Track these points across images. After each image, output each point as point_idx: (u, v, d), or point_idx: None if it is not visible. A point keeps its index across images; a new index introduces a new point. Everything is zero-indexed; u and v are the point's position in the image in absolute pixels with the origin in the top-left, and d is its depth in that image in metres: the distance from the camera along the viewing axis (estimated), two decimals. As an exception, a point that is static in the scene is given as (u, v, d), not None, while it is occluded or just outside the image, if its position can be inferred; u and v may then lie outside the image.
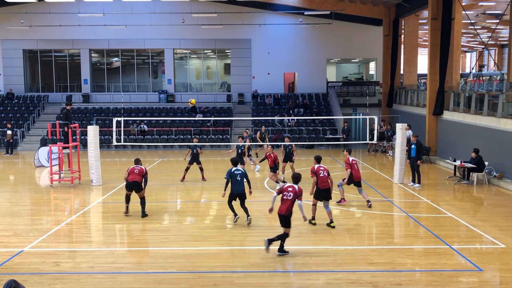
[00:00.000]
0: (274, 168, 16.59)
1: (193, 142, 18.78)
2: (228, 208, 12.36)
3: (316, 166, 12.21)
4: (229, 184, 12.08)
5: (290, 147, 18.20)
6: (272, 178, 16.82)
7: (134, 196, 15.60)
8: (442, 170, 20.94)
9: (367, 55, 36.32)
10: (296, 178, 10.44)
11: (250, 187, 12.38)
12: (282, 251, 9.96)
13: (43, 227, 12.30)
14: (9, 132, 27.20)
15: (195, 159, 18.09)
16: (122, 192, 16.42)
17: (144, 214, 13.11)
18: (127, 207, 13.31)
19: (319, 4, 30.42)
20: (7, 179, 20.10)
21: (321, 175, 12.02)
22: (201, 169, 18.31)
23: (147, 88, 36.17)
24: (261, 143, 23.79)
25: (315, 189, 12.17)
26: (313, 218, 12.27)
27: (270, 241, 9.86)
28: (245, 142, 20.33)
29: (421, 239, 11.26)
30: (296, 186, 10.25)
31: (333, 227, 11.90)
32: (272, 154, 16.58)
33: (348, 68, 44.34)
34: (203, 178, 18.30)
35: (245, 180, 12.09)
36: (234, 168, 12.14)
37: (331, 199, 12.27)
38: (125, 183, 13.23)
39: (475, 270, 9.17)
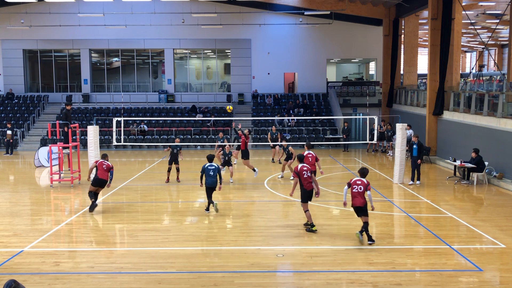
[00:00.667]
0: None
1: (174, 142, 18.58)
2: (226, 208, 12.44)
3: (300, 166, 11.60)
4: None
5: (287, 149, 18.74)
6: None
7: (135, 197, 15.61)
8: (442, 170, 20.95)
9: (367, 55, 36.32)
10: (364, 172, 11.07)
11: (220, 183, 13.35)
12: (371, 239, 10.61)
13: (43, 227, 12.30)
14: (9, 132, 27.20)
15: (174, 159, 18.07)
16: (122, 192, 16.44)
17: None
18: (94, 204, 13.49)
19: (319, 4, 30.42)
20: (7, 179, 20.10)
21: (304, 175, 11.46)
22: (178, 170, 18.22)
23: (147, 88, 36.18)
24: (274, 143, 22.81)
25: (301, 191, 11.52)
26: (313, 225, 11.55)
27: (361, 233, 10.67)
28: (222, 142, 20.94)
29: (421, 239, 11.26)
30: (364, 180, 10.84)
31: (315, 230, 11.49)
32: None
33: (348, 68, 44.34)
34: (177, 179, 18.14)
35: (217, 175, 13.22)
36: (208, 164, 13.33)
37: (310, 200, 11.67)
38: (93, 177, 13.80)
39: (475, 270, 9.17)
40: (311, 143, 16.95)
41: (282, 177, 18.82)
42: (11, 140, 27.11)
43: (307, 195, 11.52)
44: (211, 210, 13.54)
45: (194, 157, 25.81)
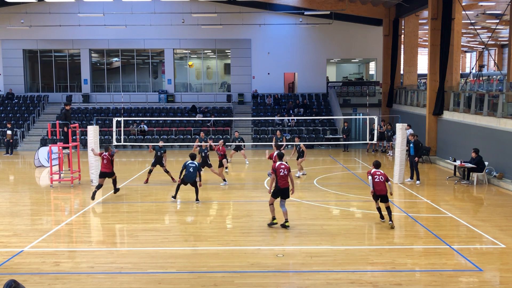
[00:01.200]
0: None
1: (158, 143, 18.43)
2: (226, 208, 12.47)
3: (278, 163, 11.89)
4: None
5: (298, 147, 18.92)
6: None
7: (135, 197, 15.64)
8: (442, 170, 20.94)
9: (367, 55, 36.32)
10: (378, 164, 12.38)
11: (200, 180, 14.53)
12: (392, 220, 11.95)
13: (43, 227, 12.30)
14: (9, 132, 27.20)
15: (158, 161, 17.90)
16: (122, 192, 16.44)
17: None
18: (95, 192, 14.89)
19: (319, 4, 30.42)
20: (7, 179, 20.10)
21: (281, 173, 11.72)
22: (167, 172, 18.07)
23: (147, 88, 36.18)
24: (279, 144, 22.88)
25: (275, 187, 11.84)
26: (274, 218, 11.96)
27: (390, 218, 11.91)
28: (202, 142, 21.12)
29: (421, 239, 11.26)
30: (381, 171, 12.19)
31: (288, 227, 11.76)
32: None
33: (348, 68, 44.34)
34: (173, 180, 17.91)
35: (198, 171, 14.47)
36: (189, 161, 14.50)
37: (288, 197, 11.94)
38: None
39: (475, 270, 9.17)
40: (311, 143, 16.99)
41: (304, 174, 19.26)
42: (11, 140, 27.11)
43: (279, 192, 11.81)
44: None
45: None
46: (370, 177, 12.10)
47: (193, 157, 14.75)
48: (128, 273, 9.14)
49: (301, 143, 18.97)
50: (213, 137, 26.88)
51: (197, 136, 23.96)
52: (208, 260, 9.77)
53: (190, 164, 14.48)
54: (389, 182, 12.04)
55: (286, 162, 12.27)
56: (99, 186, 15.02)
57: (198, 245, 10.78)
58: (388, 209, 11.99)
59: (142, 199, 15.55)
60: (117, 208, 14.31)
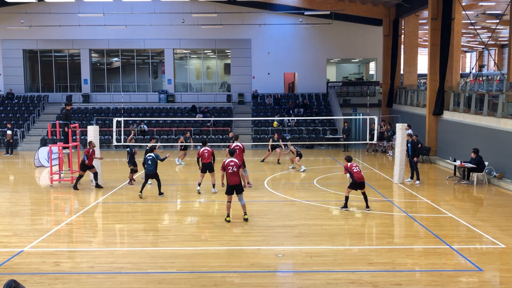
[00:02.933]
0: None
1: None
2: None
3: (227, 160, 12.16)
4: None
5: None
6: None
7: (135, 197, 15.65)
8: (442, 170, 20.94)
9: (367, 55, 36.32)
10: (350, 158, 13.72)
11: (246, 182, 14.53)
12: (368, 205, 13.46)
13: (43, 227, 12.30)
14: (9, 132, 27.20)
15: (131, 159, 17.75)
16: (122, 192, 16.45)
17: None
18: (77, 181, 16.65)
19: (319, 4, 30.42)
20: (7, 179, 20.09)
21: (230, 170, 11.98)
22: (132, 171, 17.93)
23: (147, 88, 36.17)
24: (274, 144, 23.41)
25: (226, 184, 12.20)
26: (228, 215, 12.30)
27: (367, 203, 13.33)
28: (187, 142, 22.61)
29: (421, 239, 11.26)
30: (354, 163, 13.61)
31: (246, 219, 12.24)
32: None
33: (348, 68, 44.34)
34: (130, 181, 17.82)
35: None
36: (147, 154, 15.43)
37: (243, 191, 12.29)
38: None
39: (475, 270, 9.17)
40: (311, 143, 17.08)
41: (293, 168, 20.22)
42: (11, 140, 27.11)
43: (230, 188, 12.12)
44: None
45: (194, 157, 25.74)
46: (348, 174, 13.38)
47: (152, 149, 15.79)
48: (128, 273, 9.14)
49: (289, 143, 20.48)
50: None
51: (184, 136, 24.85)
52: (208, 260, 9.77)
53: (147, 157, 15.19)
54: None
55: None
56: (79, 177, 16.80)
57: (198, 245, 10.78)
58: (364, 194, 13.45)
59: (142, 199, 15.54)
60: (117, 208, 14.31)
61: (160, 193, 15.55)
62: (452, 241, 10.91)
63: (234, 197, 12.39)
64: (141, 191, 15.50)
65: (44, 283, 8.64)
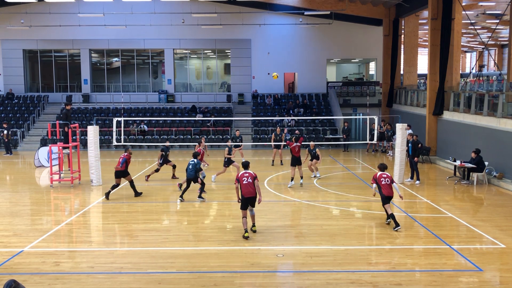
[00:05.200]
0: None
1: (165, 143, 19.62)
2: (226, 208, 12.50)
3: (241, 172, 11.47)
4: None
5: (314, 151, 18.80)
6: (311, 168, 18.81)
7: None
8: (442, 170, 20.94)
9: (367, 55, 36.32)
10: (384, 166, 12.47)
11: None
12: (398, 225, 11.87)
13: (43, 227, 12.30)
14: (5, 132, 27.26)
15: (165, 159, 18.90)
16: (122, 192, 16.44)
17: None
18: (109, 192, 15.49)
19: (319, 4, 30.42)
20: (7, 179, 20.09)
21: (244, 182, 11.20)
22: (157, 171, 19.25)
23: (147, 88, 36.18)
24: (276, 144, 22.43)
25: (241, 197, 11.29)
26: (246, 231, 11.17)
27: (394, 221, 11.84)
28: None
29: (421, 239, 11.26)
30: (388, 174, 12.38)
31: (254, 231, 11.49)
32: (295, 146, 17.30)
33: (348, 68, 44.34)
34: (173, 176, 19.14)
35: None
36: (191, 160, 15.15)
37: (254, 206, 11.45)
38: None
39: (475, 270, 9.17)
40: (311, 143, 17.01)
41: (315, 176, 18.91)
42: (6, 139, 27.07)
43: (244, 202, 11.24)
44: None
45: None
46: (375, 184, 12.19)
47: (194, 155, 15.44)
48: (128, 273, 9.14)
49: (318, 148, 19.02)
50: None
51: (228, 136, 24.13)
52: (208, 260, 9.77)
53: (190, 162, 15.05)
54: (394, 184, 12.18)
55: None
56: (113, 187, 15.68)
57: (198, 245, 10.78)
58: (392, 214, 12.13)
59: (142, 199, 15.55)
60: (117, 208, 14.31)
61: (200, 197, 15.15)
62: (452, 241, 10.91)
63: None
64: (181, 196, 15.21)
65: (44, 283, 8.64)
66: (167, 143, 19.46)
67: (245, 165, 11.77)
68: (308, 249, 10.36)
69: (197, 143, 19.48)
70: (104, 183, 17.81)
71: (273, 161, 22.64)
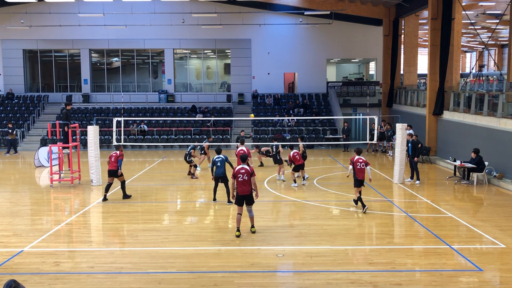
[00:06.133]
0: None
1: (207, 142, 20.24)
2: (226, 208, 12.49)
3: (237, 168, 11.14)
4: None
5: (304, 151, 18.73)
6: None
7: (135, 197, 15.65)
8: (442, 170, 20.94)
9: (367, 55, 36.32)
10: (360, 150, 13.63)
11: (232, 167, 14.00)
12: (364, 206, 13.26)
13: (43, 227, 12.30)
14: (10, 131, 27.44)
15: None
16: (121, 192, 16.45)
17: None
18: (105, 198, 15.10)
19: (319, 4, 30.42)
20: (7, 179, 20.09)
21: (240, 179, 10.90)
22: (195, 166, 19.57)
23: (147, 88, 36.18)
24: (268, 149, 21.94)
25: (236, 194, 11.16)
26: (238, 230, 11.13)
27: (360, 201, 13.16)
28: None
29: (421, 239, 11.26)
30: (364, 158, 13.40)
31: (254, 232, 11.36)
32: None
33: (348, 68, 44.34)
34: (191, 175, 19.18)
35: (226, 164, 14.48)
36: (216, 156, 14.43)
37: (253, 202, 11.32)
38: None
39: (475, 270, 9.17)
40: (311, 143, 17.07)
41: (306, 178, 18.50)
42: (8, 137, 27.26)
43: (240, 199, 11.07)
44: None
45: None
46: (351, 166, 13.36)
47: (218, 151, 14.65)
48: (128, 273, 9.14)
49: (301, 143, 18.95)
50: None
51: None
52: (208, 260, 9.77)
53: (216, 159, 14.27)
54: (368, 167, 13.31)
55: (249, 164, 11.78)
56: (106, 188, 15.27)
57: (198, 245, 10.78)
58: (360, 194, 13.45)
59: (142, 199, 15.55)
60: (117, 208, 14.31)
61: (229, 202, 14.35)
62: (452, 241, 10.90)
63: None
64: (214, 198, 14.70)
65: (44, 283, 8.64)
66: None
67: (243, 159, 11.35)
68: (308, 249, 10.36)
69: (199, 147, 19.68)
70: (104, 183, 17.79)
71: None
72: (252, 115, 21.25)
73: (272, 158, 18.30)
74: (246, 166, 11.20)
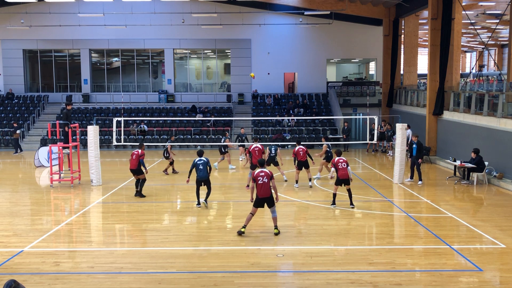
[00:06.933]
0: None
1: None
2: (226, 208, 12.47)
3: (257, 171, 11.23)
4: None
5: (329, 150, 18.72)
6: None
7: (135, 197, 15.63)
8: (442, 170, 20.94)
9: (367, 55, 36.32)
10: (340, 152, 14.23)
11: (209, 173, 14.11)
12: (352, 202, 13.96)
13: (43, 227, 12.30)
14: (18, 131, 27.72)
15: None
16: (122, 192, 16.45)
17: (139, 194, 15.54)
18: (136, 192, 15.63)
19: (319, 4, 30.42)
20: (7, 179, 20.08)
21: (259, 182, 11.01)
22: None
23: (147, 88, 36.18)
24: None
25: (255, 196, 11.24)
26: (244, 227, 11.22)
27: (351, 201, 13.76)
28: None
29: (421, 239, 11.26)
30: (344, 158, 13.91)
31: (277, 233, 11.26)
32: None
33: (348, 68, 44.34)
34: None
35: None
36: (197, 159, 14.04)
37: (273, 205, 11.28)
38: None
39: (475, 270, 9.17)
40: (311, 143, 17.11)
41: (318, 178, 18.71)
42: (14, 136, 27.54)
43: (259, 201, 11.13)
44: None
45: (194, 157, 25.74)
46: (333, 168, 13.80)
47: (200, 153, 14.23)
48: (128, 273, 9.14)
49: (325, 143, 18.93)
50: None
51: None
52: (208, 260, 9.77)
53: (198, 162, 13.93)
54: (349, 168, 13.69)
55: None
56: (136, 184, 15.79)
57: (198, 245, 10.78)
58: (349, 191, 13.83)
59: (142, 199, 15.54)
60: (117, 208, 14.31)
61: (205, 200, 14.17)
62: (452, 241, 10.91)
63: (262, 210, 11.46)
64: (198, 202, 14.07)
65: (44, 283, 8.64)
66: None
67: (261, 163, 11.61)
68: (308, 249, 10.36)
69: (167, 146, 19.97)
70: (104, 183, 17.81)
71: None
72: (252, 74, 21.44)
73: (270, 160, 18.20)
74: (265, 170, 11.34)
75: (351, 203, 13.87)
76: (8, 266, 9.52)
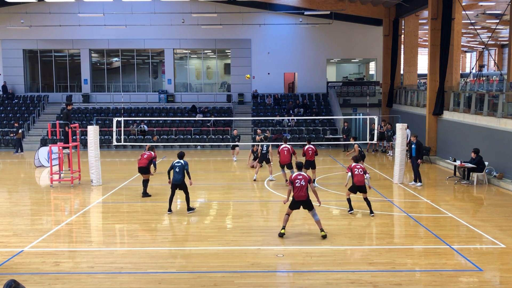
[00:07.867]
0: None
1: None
2: (226, 208, 12.44)
3: (294, 174, 11.23)
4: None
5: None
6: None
7: (135, 197, 15.63)
8: (442, 170, 20.94)
9: (367, 55, 36.32)
10: (358, 158, 13.88)
11: (189, 178, 13.60)
12: (372, 210, 13.20)
13: (43, 227, 12.30)
14: (20, 131, 27.81)
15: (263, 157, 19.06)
16: (122, 192, 16.45)
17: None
18: (144, 192, 15.66)
19: (319, 4, 30.42)
20: (7, 179, 20.08)
21: (297, 184, 10.99)
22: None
23: (147, 88, 36.18)
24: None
25: (292, 198, 11.19)
26: (283, 228, 11.21)
27: (371, 209, 13.03)
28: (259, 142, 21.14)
29: (421, 239, 11.26)
30: (361, 165, 13.40)
31: (324, 236, 11.02)
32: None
33: (348, 68, 44.34)
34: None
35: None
36: (176, 161, 13.44)
37: (312, 209, 11.10)
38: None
39: (475, 270, 9.17)
40: (311, 143, 17.13)
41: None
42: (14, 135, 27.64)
43: (295, 203, 11.09)
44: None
45: (194, 157, 25.80)
46: (350, 173, 13.14)
47: (180, 155, 13.48)
48: (128, 273, 9.14)
49: (356, 143, 18.76)
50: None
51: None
52: (208, 260, 9.77)
53: (176, 164, 13.29)
54: (367, 175, 13.14)
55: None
56: (143, 183, 15.78)
57: (198, 245, 10.78)
58: (367, 200, 13.16)
59: (142, 199, 15.54)
60: (117, 208, 14.31)
61: (190, 209, 13.50)
62: (452, 241, 10.90)
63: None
64: (170, 209, 13.49)
65: (44, 283, 8.64)
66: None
67: (299, 166, 11.59)
68: (308, 249, 10.36)
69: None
70: (104, 183, 17.81)
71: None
72: (248, 76, 21.74)
73: (262, 158, 18.31)
74: (303, 173, 11.32)
75: (371, 212, 13.00)
76: (8, 266, 9.52)
